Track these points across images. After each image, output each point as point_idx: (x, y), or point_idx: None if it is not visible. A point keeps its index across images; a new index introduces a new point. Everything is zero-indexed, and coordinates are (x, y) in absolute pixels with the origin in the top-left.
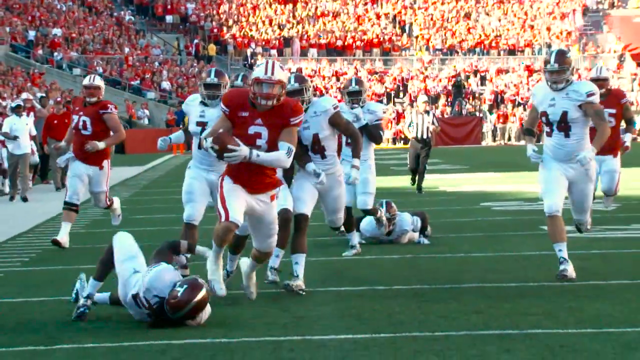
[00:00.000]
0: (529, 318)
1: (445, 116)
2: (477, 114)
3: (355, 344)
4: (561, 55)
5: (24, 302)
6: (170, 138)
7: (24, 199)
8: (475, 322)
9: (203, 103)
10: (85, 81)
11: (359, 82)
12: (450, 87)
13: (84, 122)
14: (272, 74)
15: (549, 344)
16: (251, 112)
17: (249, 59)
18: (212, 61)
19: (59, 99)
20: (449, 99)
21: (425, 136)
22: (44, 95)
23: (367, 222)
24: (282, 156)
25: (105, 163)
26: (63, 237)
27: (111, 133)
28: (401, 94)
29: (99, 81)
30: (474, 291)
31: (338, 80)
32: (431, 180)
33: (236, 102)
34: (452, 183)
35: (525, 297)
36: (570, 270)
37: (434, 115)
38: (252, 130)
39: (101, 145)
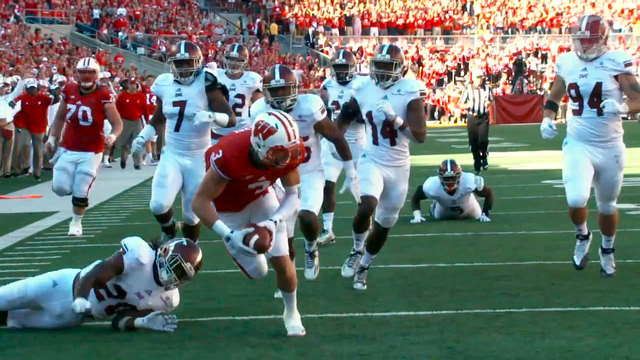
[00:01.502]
0: (591, 295)
1: (506, 94)
2: (538, 92)
3: (416, 321)
4: (593, 23)
5: None
6: (142, 137)
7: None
8: (536, 299)
9: (176, 81)
10: (80, 65)
11: (346, 54)
12: (511, 66)
13: (84, 112)
14: (295, 137)
15: (611, 321)
16: (255, 173)
17: (311, 38)
18: (274, 40)
19: (132, 79)
20: (509, 78)
21: (481, 110)
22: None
23: (431, 182)
24: (296, 202)
25: (99, 153)
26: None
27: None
28: (462, 73)
29: (94, 64)
30: (536, 268)
31: None
32: (492, 159)
33: (237, 169)
34: (513, 161)
35: (587, 274)
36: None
37: (490, 89)
38: (253, 186)
39: (114, 137)
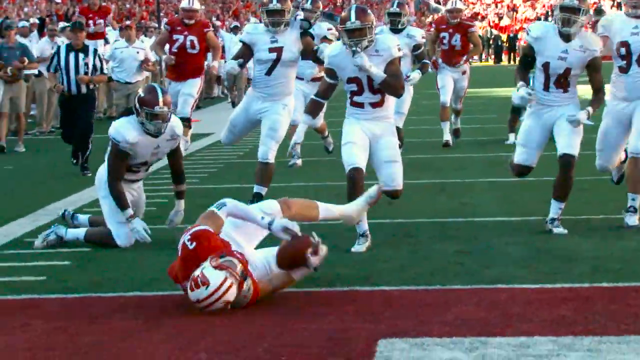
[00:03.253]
0: None
1: None
2: None
3: (510, 224)
4: None
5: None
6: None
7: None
8: (612, 206)
9: (268, 31)
10: (185, 4)
11: (400, 4)
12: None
13: (192, 41)
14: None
15: None
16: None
17: None
18: None
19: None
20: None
21: None
22: None
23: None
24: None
25: (200, 77)
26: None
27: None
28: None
29: (197, 5)
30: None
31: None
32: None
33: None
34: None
35: None
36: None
37: None
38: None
39: (217, 65)
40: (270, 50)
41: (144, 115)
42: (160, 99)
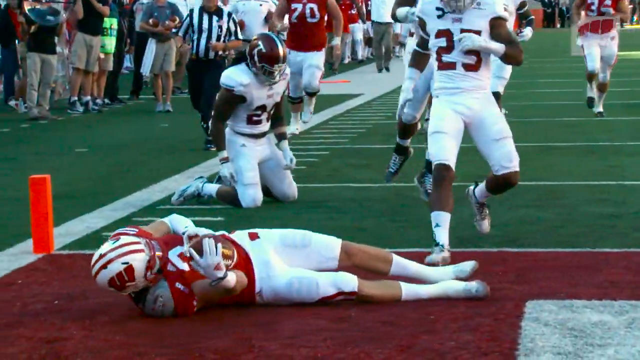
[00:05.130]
0: None
1: None
2: None
3: None
4: None
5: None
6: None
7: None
8: None
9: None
10: None
11: None
12: None
13: (312, 9)
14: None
15: None
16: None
17: None
18: None
19: None
20: None
21: None
22: None
23: None
24: None
25: (323, 49)
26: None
27: None
28: None
29: None
30: None
31: None
32: None
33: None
34: None
35: None
36: None
37: None
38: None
39: (338, 41)
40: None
41: (260, 69)
42: (281, 56)
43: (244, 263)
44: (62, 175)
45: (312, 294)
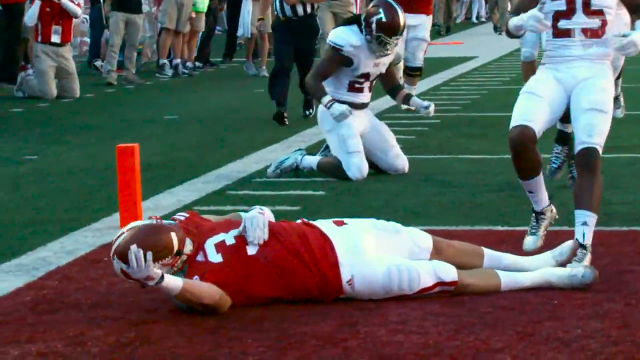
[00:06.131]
0: None
1: None
2: None
3: None
4: None
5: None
6: None
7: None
8: None
9: None
10: None
11: None
12: None
13: None
14: None
15: None
16: None
17: None
18: None
19: None
20: None
21: None
22: None
23: None
24: None
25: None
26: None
27: None
28: None
29: None
30: None
31: None
32: None
33: None
34: None
35: None
36: None
37: None
38: None
39: None
40: None
41: (376, 38)
42: (402, 28)
43: (321, 247)
44: (150, 145)
45: (413, 284)
